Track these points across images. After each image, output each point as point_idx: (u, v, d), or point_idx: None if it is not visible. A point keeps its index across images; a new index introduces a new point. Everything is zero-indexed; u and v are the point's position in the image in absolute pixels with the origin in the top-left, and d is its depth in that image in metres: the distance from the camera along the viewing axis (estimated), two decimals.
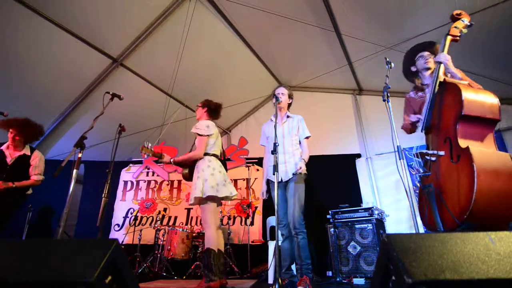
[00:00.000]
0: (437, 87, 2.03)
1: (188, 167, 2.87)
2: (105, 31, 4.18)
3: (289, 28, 4.45)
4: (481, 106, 1.84)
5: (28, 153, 3.24)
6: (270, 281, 3.31)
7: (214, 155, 2.77)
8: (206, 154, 2.74)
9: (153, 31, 4.37)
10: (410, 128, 2.39)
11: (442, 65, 2.07)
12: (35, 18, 3.62)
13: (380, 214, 3.71)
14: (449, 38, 2.09)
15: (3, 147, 3.19)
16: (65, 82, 4.55)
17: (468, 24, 2.09)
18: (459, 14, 2.13)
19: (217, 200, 2.71)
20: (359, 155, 5.28)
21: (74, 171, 1.95)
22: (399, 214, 4.51)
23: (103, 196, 2.02)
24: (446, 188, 1.84)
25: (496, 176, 1.64)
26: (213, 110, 3.02)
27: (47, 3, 3.59)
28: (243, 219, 5.04)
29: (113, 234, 5.07)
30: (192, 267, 4.15)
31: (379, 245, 3.32)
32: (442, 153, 1.91)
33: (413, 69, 2.35)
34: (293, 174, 2.63)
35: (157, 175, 5.49)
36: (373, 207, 3.56)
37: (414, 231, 1.72)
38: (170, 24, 4.35)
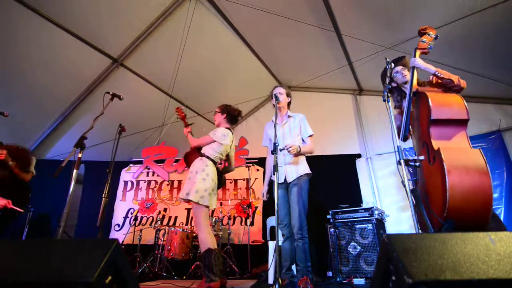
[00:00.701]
0: (411, 95, 2.13)
1: (191, 150, 2.93)
2: (105, 31, 4.18)
3: (289, 29, 4.46)
4: (449, 109, 1.95)
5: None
6: (271, 281, 3.31)
7: (213, 160, 2.75)
8: (207, 157, 2.73)
9: (154, 31, 4.38)
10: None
11: (415, 69, 2.17)
12: (35, 18, 3.63)
13: (380, 214, 3.71)
14: (418, 52, 2.22)
15: None
16: (65, 82, 4.55)
17: (434, 36, 2.21)
18: (425, 29, 2.26)
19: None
20: (359, 155, 5.28)
21: (74, 171, 1.95)
22: (399, 215, 4.51)
23: (103, 196, 2.02)
24: (429, 190, 1.94)
25: (466, 171, 1.71)
26: (232, 117, 2.99)
27: (47, 3, 3.60)
28: (243, 219, 5.04)
29: (113, 234, 5.06)
30: (192, 267, 4.14)
31: (379, 245, 3.32)
32: (422, 157, 2.00)
33: (394, 84, 2.48)
34: (298, 176, 2.64)
35: (157, 175, 5.49)
36: (373, 207, 3.56)
37: (414, 231, 1.74)
38: (170, 24, 4.36)
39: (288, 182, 2.69)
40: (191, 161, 2.84)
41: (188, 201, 2.58)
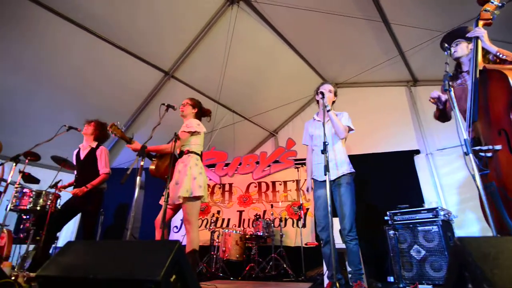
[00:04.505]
0: (477, 74, 1.85)
1: (157, 161, 2.81)
2: (156, 47, 4.51)
3: (331, 24, 4.33)
4: None
5: (94, 146, 3.53)
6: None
7: (200, 155, 2.75)
8: (193, 152, 2.69)
9: (199, 42, 4.59)
10: (439, 114, 2.25)
11: (479, 41, 1.91)
12: (98, 42, 4.06)
13: (446, 215, 3.37)
14: (481, 23, 1.95)
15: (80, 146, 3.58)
16: (125, 97, 5.02)
17: (499, 4, 1.93)
18: None
19: (202, 200, 2.62)
20: (417, 151, 4.88)
21: (138, 178, 2.13)
22: (467, 215, 4.05)
23: (164, 201, 2.17)
24: (510, 184, 1.65)
25: None
26: (202, 114, 2.99)
27: (110, 28, 4.00)
28: (295, 221, 5.00)
29: (172, 236, 5.40)
30: (247, 269, 4.23)
31: (447, 249, 3.02)
32: (498, 147, 1.71)
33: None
34: (342, 175, 2.54)
35: (210, 179, 5.72)
36: (438, 207, 3.25)
37: (487, 234, 1.53)
38: (214, 33, 4.53)
39: (331, 180, 2.56)
40: (166, 172, 2.62)
41: (187, 199, 2.48)
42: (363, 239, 2.50)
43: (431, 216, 3.26)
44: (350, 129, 2.72)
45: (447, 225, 3.29)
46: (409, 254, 3.23)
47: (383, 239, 3.54)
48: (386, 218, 3.55)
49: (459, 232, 3.81)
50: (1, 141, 3.89)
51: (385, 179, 4.59)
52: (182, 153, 2.71)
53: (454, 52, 2.17)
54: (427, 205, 3.64)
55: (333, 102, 2.89)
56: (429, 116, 5.02)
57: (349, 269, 2.53)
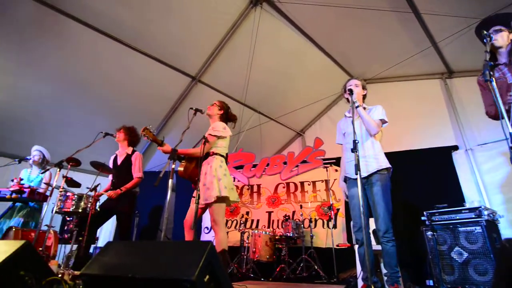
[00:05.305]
0: None
1: (185, 163, 2.86)
2: (183, 53, 4.66)
3: (357, 18, 4.21)
4: None
5: (130, 152, 3.75)
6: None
7: (225, 157, 2.80)
8: (218, 154, 2.76)
9: (224, 46, 4.67)
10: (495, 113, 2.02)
11: None
12: (129, 51, 4.27)
13: (491, 215, 3.13)
14: None
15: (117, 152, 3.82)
16: (155, 103, 5.23)
17: None
18: None
19: (228, 202, 2.68)
20: (455, 147, 4.58)
21: (170, 180, 2.21)
22: None
23: (195, 202, 2.23)
24: None
25: None
26: (228, 118, 3.04)
27: (140, 37, 4.20)
28: (325, 222, 4.90)
29: (203, 237, 5.52)
30: (278, 270, 4.21)
31: (492, 251, 2.80)
32: None
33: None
34: (376, 171, 2.44)
35: (238, 181, 5.78)
36: (481, 207, 3.03)
37: None
38: (238, 36, 4.58)
39: (364, 177, 2.47)
40: (193, 173, 2.80)
41: (216, 199, 2.53)
42: (398, 240, 2.39)
43: (473, 216, 3.04)
44: (384, 122, 2.60)
45: (492, 226, 3.05)
46: (450, 257, 3.04)
47: (420, 241, 3.36)
48: (423, 218, 3.37)
49: (506, 233, 3.52)
50: (46, 149, 4.21)
51: (421, 178, 4.36)
52: (207, 155, 2.78)
53: (494, 40, 2.00)
54: (468, 205, 3.41)
55: (364, 96, 2.79)
56: (468, 110, 4.73)
57: (384, 271, 2.43)
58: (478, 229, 2.95)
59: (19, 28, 3.59)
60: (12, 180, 3.66)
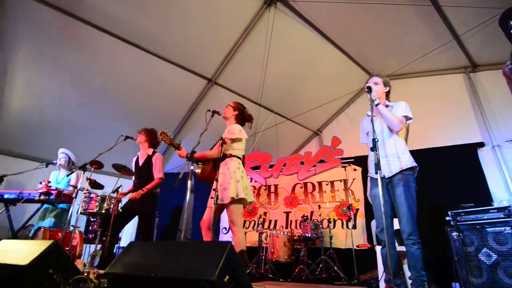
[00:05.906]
0: None
1: (202, 165, 2.90)
2: (199, 56, 4.73)
3: (373, 14, 4.12)
4: None
5: (151, 153, 3.85)
6: None
7: (242, 159, 2.83)
8: (235, 156, 2.79)
9: (239, 47, 4.70)
10: None
11: None
12: (147, 56, 4.39)
13: None
14: None
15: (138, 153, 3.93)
16: (173, 105, 5.35)
17: None
18: None
19: (245, 203, 2.70)
20: (481, 144, 4.38)
21: (189, 181, 2.24)
22: None
23: (213, 203, 2.25)
24: None
25: None
26: (243, 118, 3.05)
27: (157, 42, 4.31)
28: (344, 222, 4.82)
29: (222, 237, 5.57)
30: (297, 270, 4.18)
31: None
32: None
33: None
34: (400, 171, 2.37)
35: (255, 181, 5.79)
36: (510, 206, 2.89)
37: None
38: (253, 37, 4.59)
39: (387, 177, 2.40)
40: (210, 175, 2.86)
41: (233, 201, 2.57)
42: (422, 241, 2.31)
43: (502, 216, 2.90)
44: (408, 118, 2.51)
45: None
46: (477, 259, 2.91)
47: (445, 242, 3.24)
48: (447, 218, 3.25)
49: None
50: (72, 152, 4.39)
51: (445, 176, 4.20)
52: (225, 156, 2.80)
53: None
54: (496, 204, 3.26)
55: (388, 93, 2.72)
56: (494, 104, 4.52)
57: (408, 274, 2.35)
58: (508, 229, 2.82)
59: (48, 38, 3.81)
60: (41, 183, 3.83)
